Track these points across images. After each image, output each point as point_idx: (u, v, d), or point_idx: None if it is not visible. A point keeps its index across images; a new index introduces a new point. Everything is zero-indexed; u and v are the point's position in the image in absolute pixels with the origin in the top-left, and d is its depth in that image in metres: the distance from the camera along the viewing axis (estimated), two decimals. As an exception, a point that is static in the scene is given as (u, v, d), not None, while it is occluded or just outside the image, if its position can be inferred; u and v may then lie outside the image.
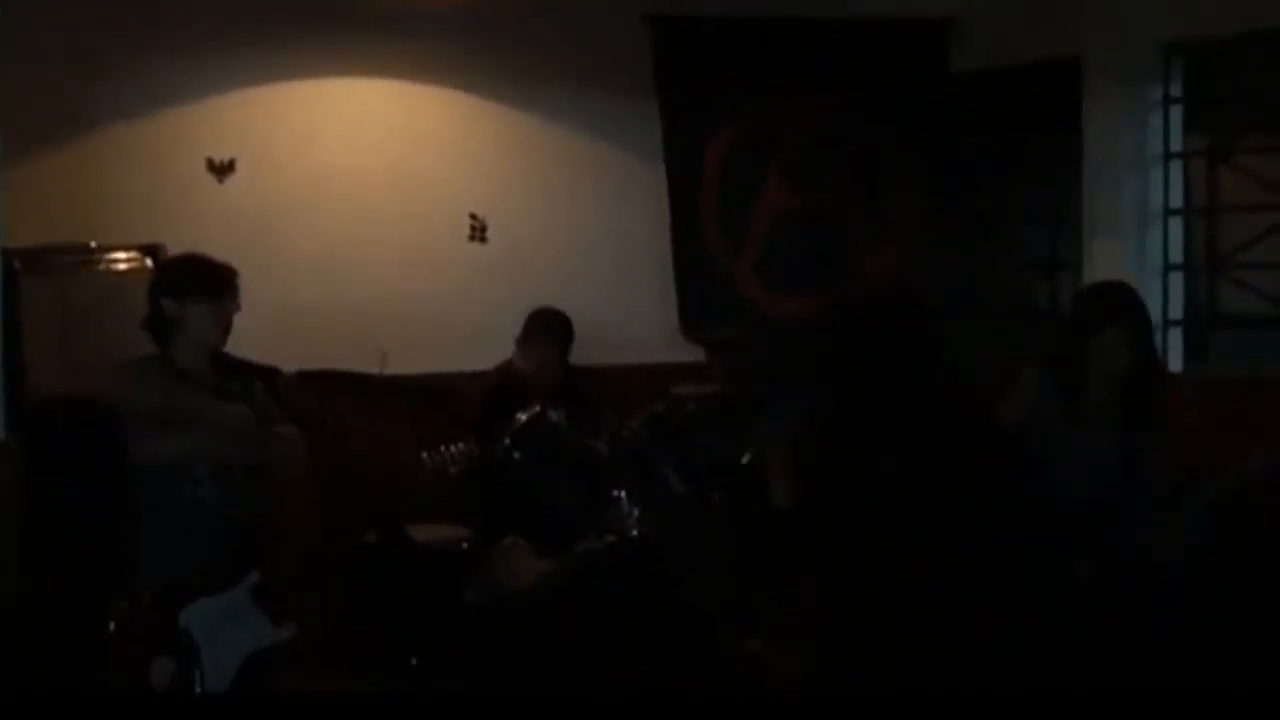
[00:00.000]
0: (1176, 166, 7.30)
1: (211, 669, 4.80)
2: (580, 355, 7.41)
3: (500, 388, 6.92)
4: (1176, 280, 7.31)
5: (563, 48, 7.78)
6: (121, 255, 6.74)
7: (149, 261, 6.76)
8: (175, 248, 6.87)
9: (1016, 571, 4.87)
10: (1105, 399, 5.30)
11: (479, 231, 7.75)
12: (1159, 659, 4.95)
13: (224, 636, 4.84)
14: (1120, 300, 5.40)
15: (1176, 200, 7.29)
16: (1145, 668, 4.92)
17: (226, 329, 5.28)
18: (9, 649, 5.58)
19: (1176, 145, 7.29)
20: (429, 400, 6.65)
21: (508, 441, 6.04)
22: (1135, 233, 7.32)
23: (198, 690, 4.77)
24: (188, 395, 5.12)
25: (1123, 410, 5.28)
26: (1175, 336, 7.31)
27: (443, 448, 6.34)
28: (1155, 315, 7.20)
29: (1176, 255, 7.30)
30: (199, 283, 5.20)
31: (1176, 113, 7.27)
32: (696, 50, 7.86)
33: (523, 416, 6.07)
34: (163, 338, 5.21)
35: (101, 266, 6.69)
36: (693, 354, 7.86)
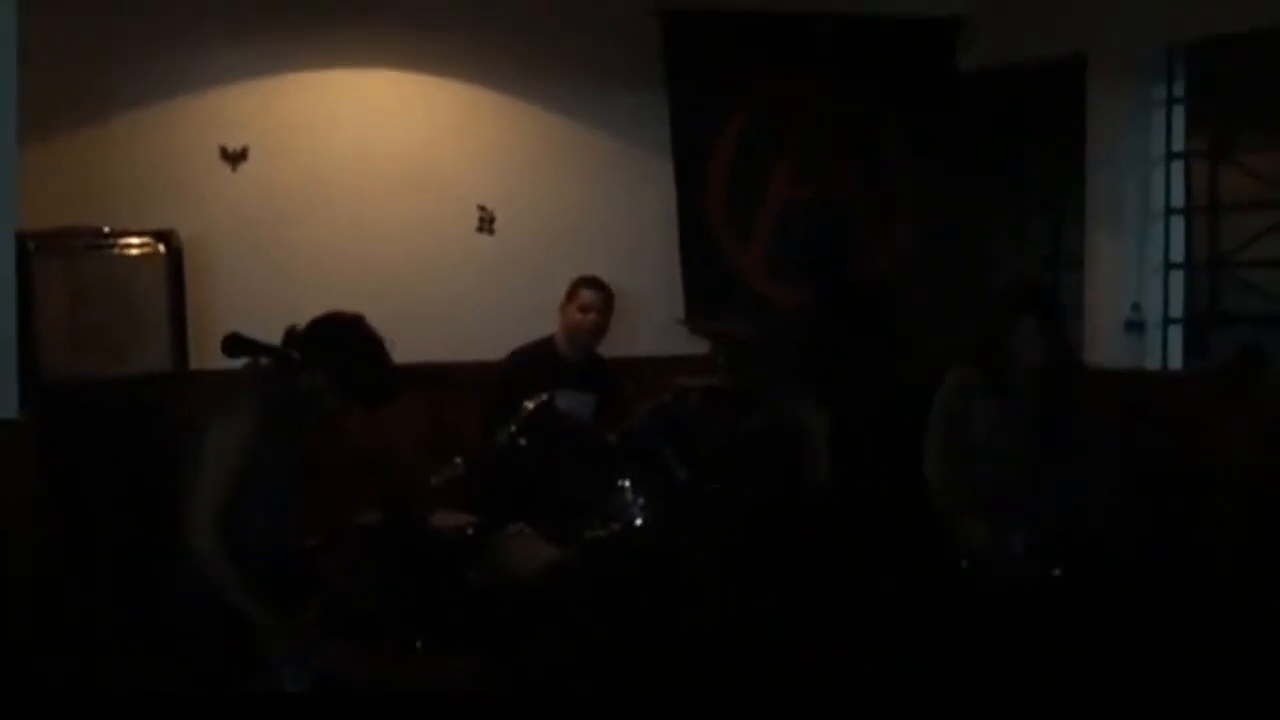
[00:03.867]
0: (1178, 165, 7.37)
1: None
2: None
3: (515, 373, 6.99)
4: (1177, 278, 7.38)
5: (572, 39, 7.82)
6: (134, 240, 6.80)
7: (161, 247, 6.84)
8: (187, 234, 7.00)
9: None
10: (1023, 385, 5.72)
11: (487, 223, 7.80)
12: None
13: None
14: (1034, 296, 5.92)
15: (1178, 199, 7.36)
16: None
17: None
18: (24, 628, 5.63)
19: (1179, 144, 7.37)
20: (438, 387, 6.71)
21: (514, 429, 6.08)
22: (1137, 230, 7.39)
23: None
24: None
25: (1040, 395, 5.70)
26: (1176, 334, 7.38)
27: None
28: (1156, 313, 7.33)
29: (1178, 253, 7.37)
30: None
31: (1179, 112, 7.35)
32: (706, 44, 7.91)
33: (530, 404, 6.12)
34: None
35: (115, 251, 6.75)
36: (700, 346, 7.90)
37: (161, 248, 6.83)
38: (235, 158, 7.37)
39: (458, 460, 6.24)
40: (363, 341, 5.15)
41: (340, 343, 5.12)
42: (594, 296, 7.15)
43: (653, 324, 7.95)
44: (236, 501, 4.90)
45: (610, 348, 7.60)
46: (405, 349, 6.85)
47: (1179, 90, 7.32)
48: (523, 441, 6.05)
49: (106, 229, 6.78)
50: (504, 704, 5.16)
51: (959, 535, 5.61)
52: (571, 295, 7.17)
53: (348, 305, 7.26)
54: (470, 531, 6.50)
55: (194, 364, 6.85)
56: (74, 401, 6.28)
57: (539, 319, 7.27)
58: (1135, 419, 6.29)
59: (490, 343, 7.28)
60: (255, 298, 6.99)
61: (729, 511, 6.30)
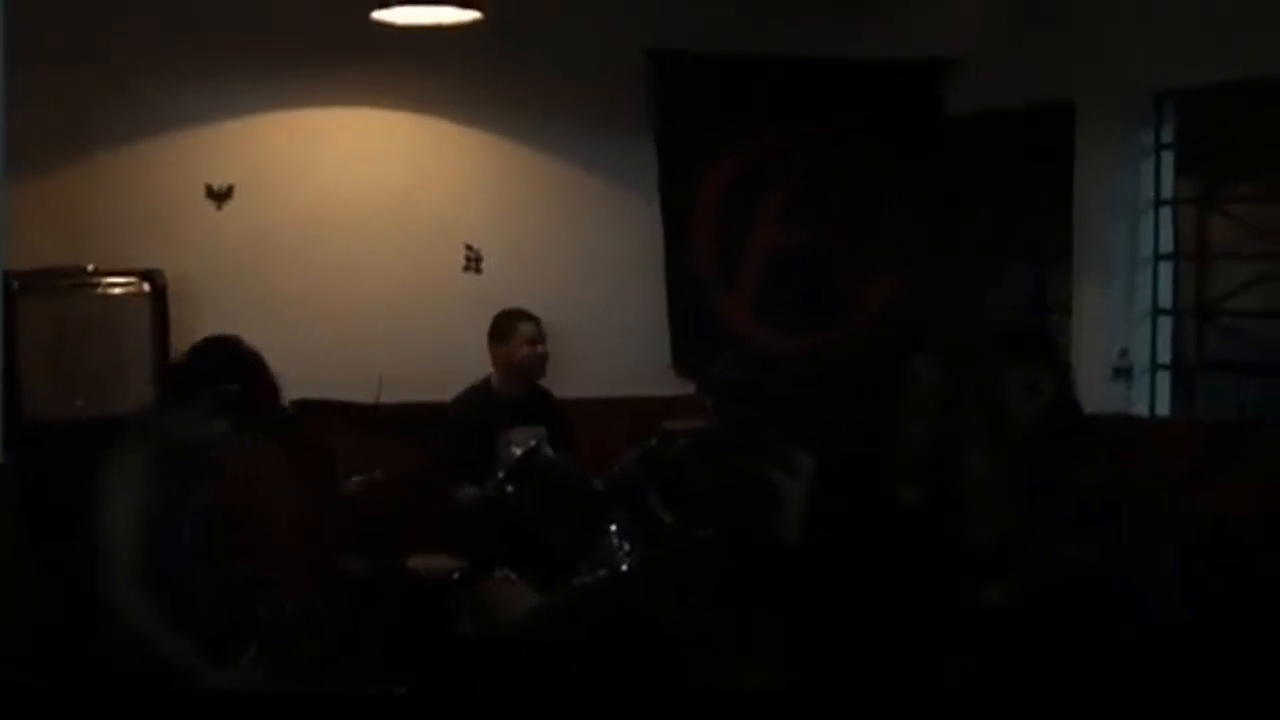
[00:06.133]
0: (1166, 212, 7.36)
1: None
2: (572, 387, 7.47)
3: (461, 420, 7.00)
4: (1165, 324, 7.37)
5: (560, 81, 7.81)
6: (119, 279, 6.79)
7: (146, 286, 6.81)
8: (172, 273, 6.97)
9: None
10: (1019, 434, 5.59)
11: (474, 262, 7.79)
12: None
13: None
14: (1033, 343, 5.86)
15: (1166, 245, 7.35)
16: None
17: None
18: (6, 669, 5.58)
19: (1167, 191, 7.35)
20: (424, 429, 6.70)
21: (502, 476, 6.07)
22: (1125, 276, 7.38)
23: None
24: None
25: (1038, 445, 5.56)
26: (1163, 380, 7.37)
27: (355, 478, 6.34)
28: (1144, 359, 7.32)
29: (1165, 300, 7.36)
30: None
31: (1168, 159, 7.34)
32: (695, 87, 7.93)
33: (517, 451, 6.10)
34: None
35: (99, 290, 6.73)
36: (685, 388, 7.88)
37: (146, 287, 6.82)
38: (220, 196, 7.35)
39: (376, 473, 6.20)
40: (241, 360, 5.10)
41: (219, 364, 5.08)
42: (534, 329, 7.16)
43: (637, 365, 7.94)
44: (153, 545, 4.84)
45: (594, 389, 7.60)
46: (392, 388, 6.93)
47: (1167, 136, 7.31)
48: (510, 488, 6.04)
49: (91, 268, 6.77)
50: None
51: None
52: (509, 332, 7.14)
53: (334, 344, 7.38)
54: (456, 577, 6.49)
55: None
56: (58, 442, 6.23)
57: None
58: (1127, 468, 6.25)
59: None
60: (241, 336, 6.96)
61: (715, 556, 6.28)
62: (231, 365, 5.06)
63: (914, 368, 5.86)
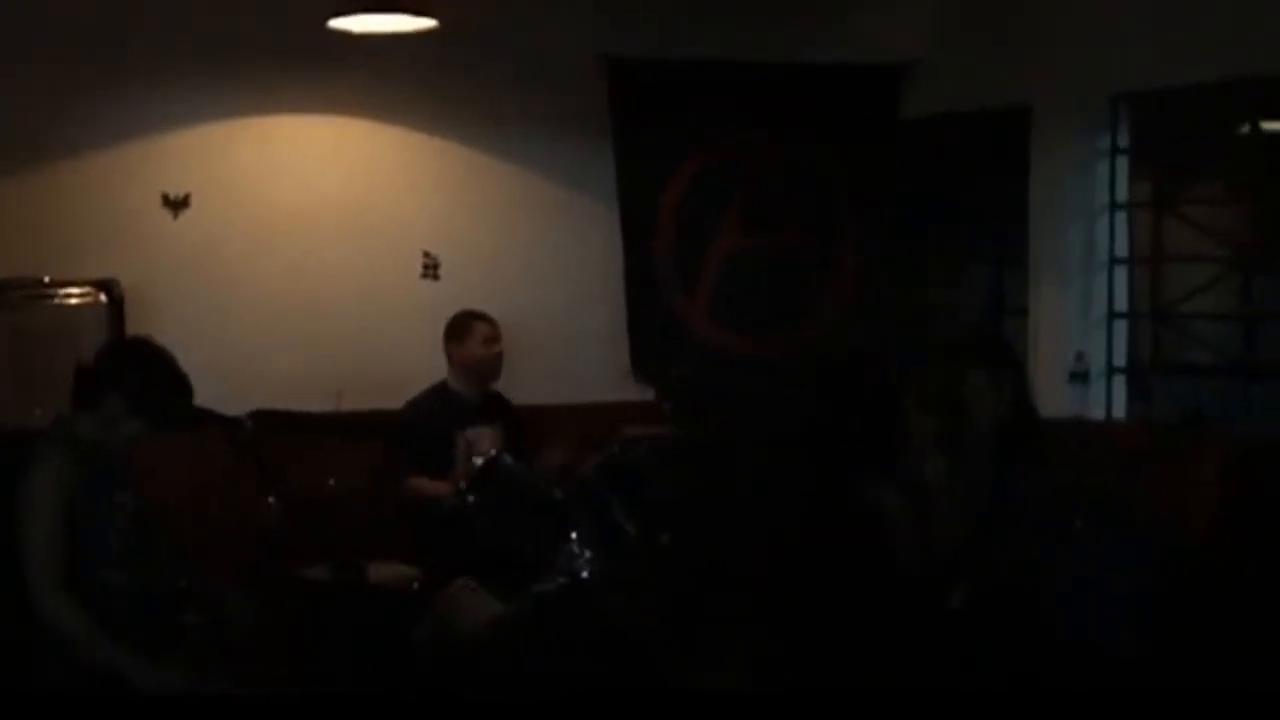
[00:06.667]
0: (1122, 216, 7.39)
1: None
2: (532, 394, 7.47)
3: (418, 422, 7.01)
4: (1121, 327, 7.40)
5: (518, 86, 7.78)
6: (75, 290, 6.75)
7: (103, 296, 6.77)
8: (129, 282, 6.94)
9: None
10: (978, 437, 5.51)
11: (432, 269, 7.77)
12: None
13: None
14: (990, 345, 5.77)
15: (1122, 249, 7.38)
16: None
17: None
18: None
19: (1122, 195, 7.38)
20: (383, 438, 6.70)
21: (464, 486, 6.07)
22: (1081, 280, 7.41)
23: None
24: None
25: (995, 448, 5.48)
26: (1119, 383, 7.41)
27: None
28: (1100, 361, 7.35)
29: (1121, 303, 7.39)
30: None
31: (1123, 162, 7.37)
32: (652, 92, 7.91)
33: (479, 461, 6.10)
34: None
35: (55, 301, 6.69)
36: (644, 393, 7.90)
37: (103, 297, 6.78)
38: (177, 205, 7.31)
39: (331, 482, 6.20)
40: (150, 355, 5.11)
41: (129, 361, 5.10)
42: (490, 329, 7.18)
43: (597, 371, 7.94)
44: (74, 549, 4.82)
45: (554, 395, 7.61)
46: (350, 397, 6.93)
47: (1123, 140, 7.34)
48: (471, 498, 6.03)
49: (47, 279, 6.73)
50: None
51: None
52: (464, 332, 7.15)
53: (293, 353, 7.36)
54: (416, 586, 6.48)
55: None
56: (16, 454, 6.19)
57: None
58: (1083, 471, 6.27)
59: (437, 390, 7.24)
60: (198, 346, 6.88)
61: (677, 564, 6.29)
62: (139, 364, 5.07)
63: (870, 370, 5.85)
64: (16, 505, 4.84)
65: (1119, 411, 7.39)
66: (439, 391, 7.14)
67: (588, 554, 6.07)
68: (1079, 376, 7.36)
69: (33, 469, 4.87)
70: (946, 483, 5.65)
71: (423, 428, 6.95)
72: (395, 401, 7.10)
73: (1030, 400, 5.74)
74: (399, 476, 6.88)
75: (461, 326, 7.16)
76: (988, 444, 5.60)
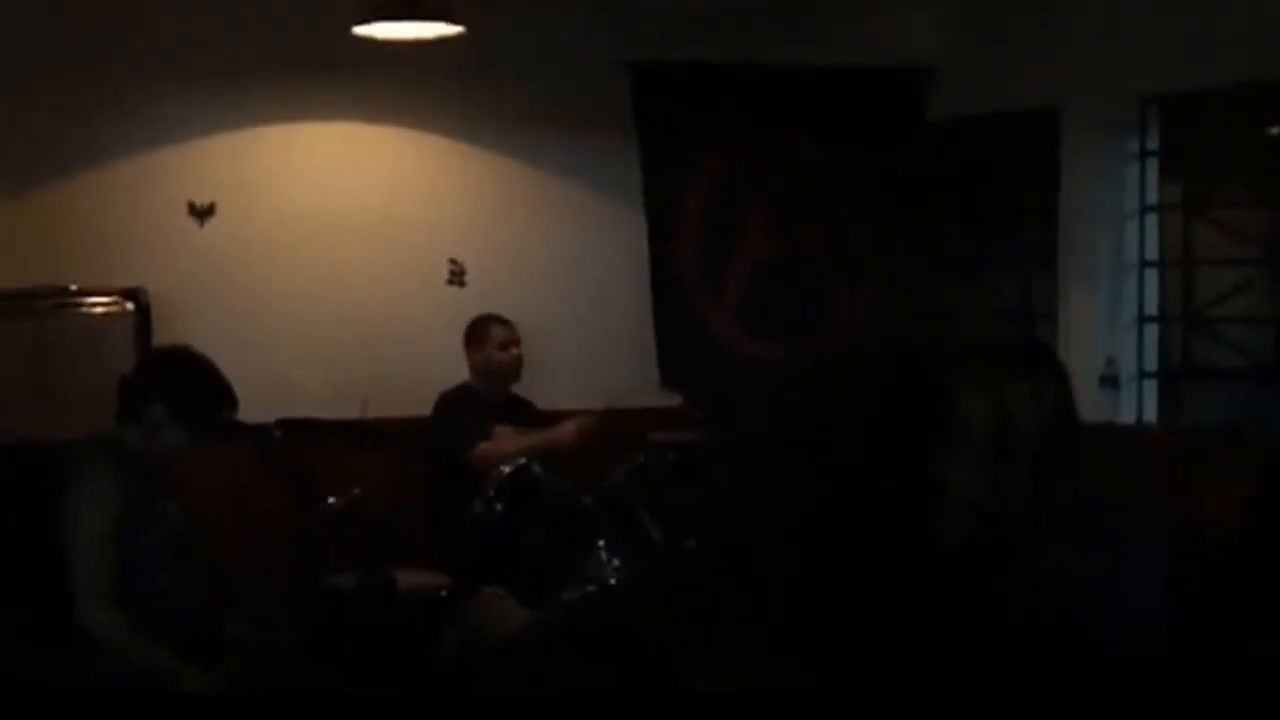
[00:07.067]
0: (1152, 219, 7.34)
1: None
2: (558, 399, 7.45)
3: (449, 416, 7.04)
4: (1151, 332, 7.35)
5: (543, 92, 7.78)
6: (101, 299, 6.74)
7: (129, 305, 6.76)
8: (155, 291, 6.93)
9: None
10: (1020, 445, 5.43)
11: (458, 276, 7.76)
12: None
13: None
14: (1036, 351, 5.58)
15: (1152, 252, 7.33)
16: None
17: None
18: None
19: (1152, 197, 7.33)
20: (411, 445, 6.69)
21: (491, 493, 6.04)
22: (1111, 284, 7.36)
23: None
24: None
25: (1036, 456, 5.43)
26: (1150, 388, 7.36)
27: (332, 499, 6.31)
28: (1130, 366, 7.30)
29: (1152, 307, 7.34)
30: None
31: (1153, 165, 7.32)
32: (676, 96, 7.87)
33: (506, 469, 6.08)
34: None
35: (81, 310, 6.69)
36: (670, 399, 7.86)
37: (129, 305, 6.78)
38: (203, 213, 7.31)
39: (356, 491, 6.18)
40: (193, 361, 5.13)
41: (171, 369, 5.10)
42: (508, 331, 7.21)
43: (621, 375, 7.91)
44: (118, 560, 4.82)
45: (577, 399, 7.57)
46: (376, 403, 6.91)
47: (1153, 142, 7.30)
48: (499, 506, 6.01)
49: (73, 287, 6.72)
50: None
51: None
52: (483, 336, 7.19)
53: (319, 360, 7.34)
54: (443, 594, 6.47)
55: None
56: (42, 464, 6.18)
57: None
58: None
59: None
60: (225, 355, 6.84)
61: (704, 570, 6.26)
62: (181, 372, 5.06)
63: (908, 376, 5.79)
64: (61, 518, 4.84)
65: (1150, 416, 7.33)
66: (465, 390, 7.18)
67: (616, 561, 6.06)
68: (1109, 381, 7.31)
69: (80, 485, 4.86)
70: (990, 489, 5.54)
71: (455, 413, 7.01)
72: (421, 409, 7.09)
73: (1073, 409, 5.69)
74: (444, 458, 6.86)
75: (479, 330, 7.19)
76: (1032, 451, 5.53)
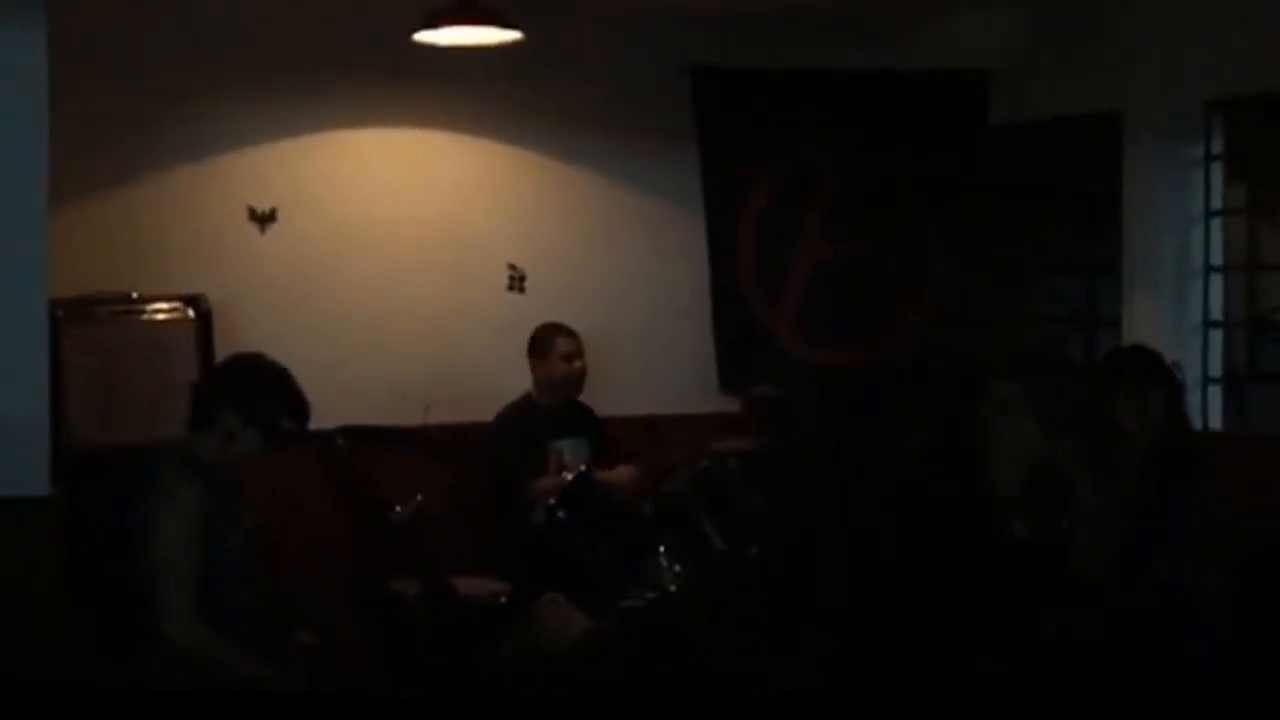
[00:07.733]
0: (1216, 223, 7.29)
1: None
2: (618, 405, 7.45)
3: (508, 433, 7.04)
4: (1216, 337, 7.30)
5: (603, 97, 7.79)
6: (163, 305, 6.76)
7: (190, 312, 6.79)
8: (216, 297, 6.94)
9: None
10: (1133, 457, 5.41)
11: (518, 281, 7.76)
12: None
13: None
14: (1150, 365, 5.58)
15: (1216, 257, 7.28)
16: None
17: None
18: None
19: (1216, 202, 7.28)
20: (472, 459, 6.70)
21: (553, 502, 6.05)
22: (1175, 289, 7.32)
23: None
24: None
25: (1151, 468, 5.38)
26: (1214, 393, 7.29)
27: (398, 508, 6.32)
28: (1195, 372, 7.23)
29: (1216, 312, 7.29)
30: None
31: (1217, 170, 7.27)
32: (736, 102, 7.88)
33: (568, 476, 6.09)
34: None
35: (143, 317, 6.71)
36: (731, 405, 7.84)
37: (191, 312, 6.79)
38: (264, 219, 7.33)
39: (419, 498, 6.18)
40: (266, 369, 5.14)
41: (246, 376, 5.12)
42: (572, 344, 7.20)
43: (682, 383, 7.90)
44: (203, 574, 4.84)
45: (638, 406, 7.57)
46: (437, 410, 6.90)
47: (1217, 147, 7.24)
48: (561, 514, 6.02)
49: (135, 294, 6.74)
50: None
51: None
52: (547, 347, 7.19)
53: (380, 366, 7.34)
54: (503, 600, 6.47)
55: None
56: (105, 471, 6.21)
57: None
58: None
59: (523, 403, 7.22)
60: (286, 360, 6.89)
61: (766, 577, 6.25)
62: (255, 381, 5.08)
63: (993, 386, 5.61)
64: (139, 526, 4.86)
65: (1215, 422, 7.27)
66: (525, 403, 7.16)
67: (676, 568, 6.05)
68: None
69: (159, 494, 4.88)
70: (1099, 505, 5.42)
71: (513, 434, 6.99)
72: (483, 415, 7.10)
73: (1185, 418, 5.62)
74: (501, 485, 6.86)
75: (544, 342, 7.19)
76: (1142, 465, 5.44)
